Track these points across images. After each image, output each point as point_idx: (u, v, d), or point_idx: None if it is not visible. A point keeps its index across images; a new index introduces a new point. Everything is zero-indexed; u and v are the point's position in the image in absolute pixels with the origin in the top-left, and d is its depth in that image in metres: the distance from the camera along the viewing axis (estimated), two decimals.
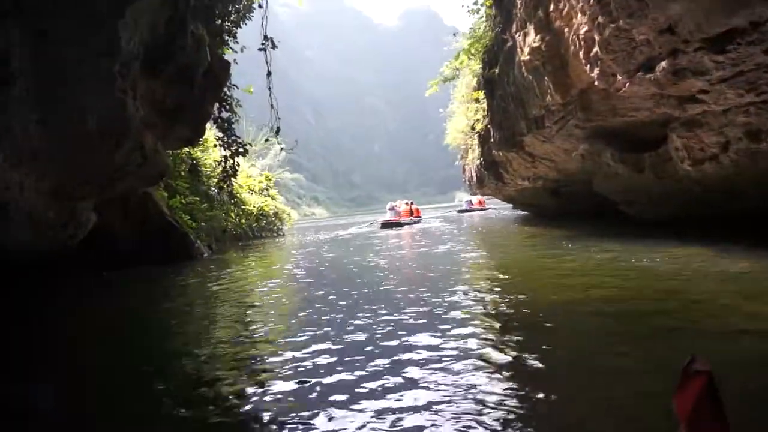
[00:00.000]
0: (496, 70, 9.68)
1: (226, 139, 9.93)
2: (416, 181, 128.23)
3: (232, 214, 15.67)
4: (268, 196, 19.54)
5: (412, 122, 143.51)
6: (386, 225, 19.34)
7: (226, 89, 9.06)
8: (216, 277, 7.61)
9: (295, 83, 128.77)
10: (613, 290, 4.05)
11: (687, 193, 6.92)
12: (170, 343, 3.97)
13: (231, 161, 10.22)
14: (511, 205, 23.72)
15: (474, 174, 15.40)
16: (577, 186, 10.70)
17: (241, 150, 10.01)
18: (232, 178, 10.94)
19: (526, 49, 8.15)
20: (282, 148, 9.34)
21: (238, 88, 9.49)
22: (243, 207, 17.18)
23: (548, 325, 3.25)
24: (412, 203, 23.36)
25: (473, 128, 13.83)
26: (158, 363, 3.32)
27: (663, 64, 5.02)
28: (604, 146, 7.67)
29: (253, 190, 18.73)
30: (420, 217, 22.31)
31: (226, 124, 9.66)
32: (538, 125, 8.92)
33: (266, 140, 9.33)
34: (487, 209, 28.62)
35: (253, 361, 3.10)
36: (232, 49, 8.77)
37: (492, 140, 11.56)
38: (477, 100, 12.99)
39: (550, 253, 6.73)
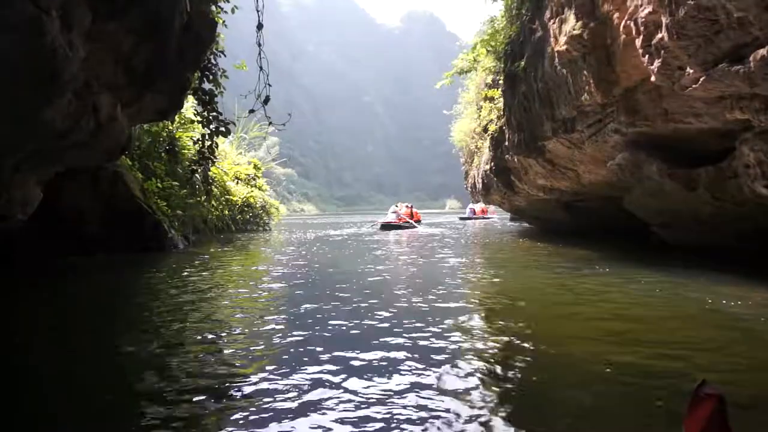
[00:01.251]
0: (522, 63, 8.59)
1: (206, 115, 8.63)
2: (408, 185, 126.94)
3: (214, 203, 14.32)
4: (255, 186, 18.20)
5: (408, 126, 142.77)
6: (386, 227, 19.24)
7: (211, 57, 7.81)
8: (186, 275, 6.36)
9: (296, 77, 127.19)
10: (721, 357, 2.74)
11: (745, 218, 5.88)
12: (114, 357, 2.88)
13: (210, 141, 8.93)
14: (509, 216, 22.88)
15: (480, 180, 14.28)
16: (599, 201, 9.66)
17: (222, 129, 8.69)
18: (210, 161, 9.64)
19: (562, 39, 7.07)
20: (270, 122, 8.06)
21: (225, 56, 8.20)
22: (227, 196, 15.88)
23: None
24: (411, 206, 23.20)
25: (486, 130, 12.71)
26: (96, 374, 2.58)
27: (762, 52, 3.94)
28: (648, 157, 6.61)
29: (239, 179, 17.42)
30: (420, 221, 22.12)
31: (207, 97, 8.36)
32: (567, 129, 7.85)
33: (251, 111, 8.03)
34: (490, 218, 28.22)
35: (214, 388, 2.42)
36: (222, 8, 7.43)
37: (507, 144, 10.47)
38: (491, 99, 11.89)
39: (588, 281, 5.41)
